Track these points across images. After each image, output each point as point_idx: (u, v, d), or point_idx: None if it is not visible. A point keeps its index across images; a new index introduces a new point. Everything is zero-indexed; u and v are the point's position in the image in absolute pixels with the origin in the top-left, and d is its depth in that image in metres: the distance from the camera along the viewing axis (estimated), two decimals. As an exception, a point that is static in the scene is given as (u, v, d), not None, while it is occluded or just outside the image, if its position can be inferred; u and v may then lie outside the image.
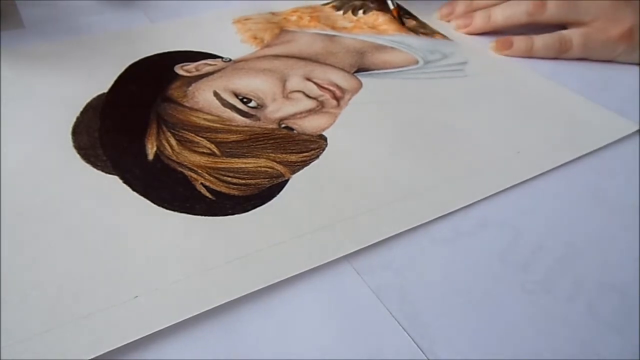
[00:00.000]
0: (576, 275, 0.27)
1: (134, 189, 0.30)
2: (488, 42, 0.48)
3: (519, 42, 0.47)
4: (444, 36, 0.50)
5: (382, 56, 0.45)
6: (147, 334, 0.23)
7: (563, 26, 0.48)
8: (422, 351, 0.23)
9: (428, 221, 0.29)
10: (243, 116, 0.36)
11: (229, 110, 0.36)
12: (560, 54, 0.47)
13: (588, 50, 0.46)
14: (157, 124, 0.35)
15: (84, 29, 0.47)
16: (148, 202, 0.29)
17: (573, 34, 0.46)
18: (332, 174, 0.32)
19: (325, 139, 0.35)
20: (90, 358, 0.22)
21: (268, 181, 0.31)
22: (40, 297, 0.24)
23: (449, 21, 0.52)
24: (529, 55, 0.47)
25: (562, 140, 0.37)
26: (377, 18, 0.51)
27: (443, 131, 0.37)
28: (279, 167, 0.32)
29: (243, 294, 0.24)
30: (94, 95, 0.37)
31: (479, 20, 0.50)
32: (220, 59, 0.43)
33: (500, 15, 0.49)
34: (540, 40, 0.47)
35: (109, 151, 0.32)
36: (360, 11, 0.53)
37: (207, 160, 0.32)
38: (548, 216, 0.31)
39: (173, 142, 0.33)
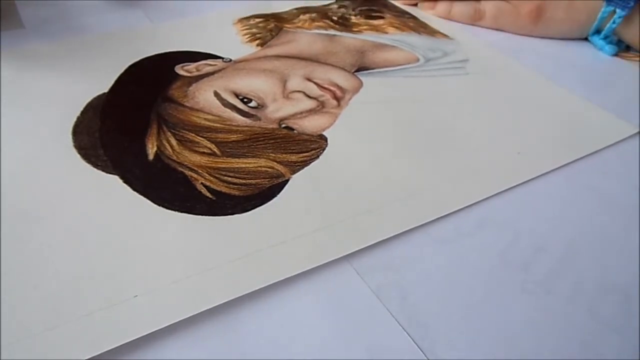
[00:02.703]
0: (576, 275, 0.27)
1: (134, 189, 0.30)
2: (489, 41, 0.49)
3: (441, 5, 0.53)
4: (444, 35, 0.49)
5: (382, 55, 0.45)
6: (147, 333, 0.23)
7: None
8: (422, 351, 0.23)
9: (428, 221, 0.29)
10: (243, 116, 0.36)
11: (229, 110, 0.36)
12: (474, 21, 0.52)
13: (498, 22, 0.51)
14: (158, 124, 0.35)
15: (84, 29, 0.47)
16: (148, 202, 0.29)
17: (487, 5, 0.51)
18: (333, 174, 0.32)
19: (325, 139, 0.35)
20: (90, 357, 0.22)
21: (268, 181, 0.31)
22: (40, 297, 0.24)
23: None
24: (448, 17, 0.53)
25: (563, 141, 0.36)
26: (377, 17, 0.51)
27: (443, 131, 0.37)
28: (279, 167, 0.32)
29: (243, 294, 0.24)
30: (95, 95, 0.37)
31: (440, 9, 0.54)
32: (220, 59, 0.42)
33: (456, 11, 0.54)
34: (458, 7, 0.52)
35: (110, 151, 0.32)
36: (361, 10, 0.53)
37: (208, 160, 0.32)
38: (548, 216, 0.31)
39: (173, 142, 0.33)
